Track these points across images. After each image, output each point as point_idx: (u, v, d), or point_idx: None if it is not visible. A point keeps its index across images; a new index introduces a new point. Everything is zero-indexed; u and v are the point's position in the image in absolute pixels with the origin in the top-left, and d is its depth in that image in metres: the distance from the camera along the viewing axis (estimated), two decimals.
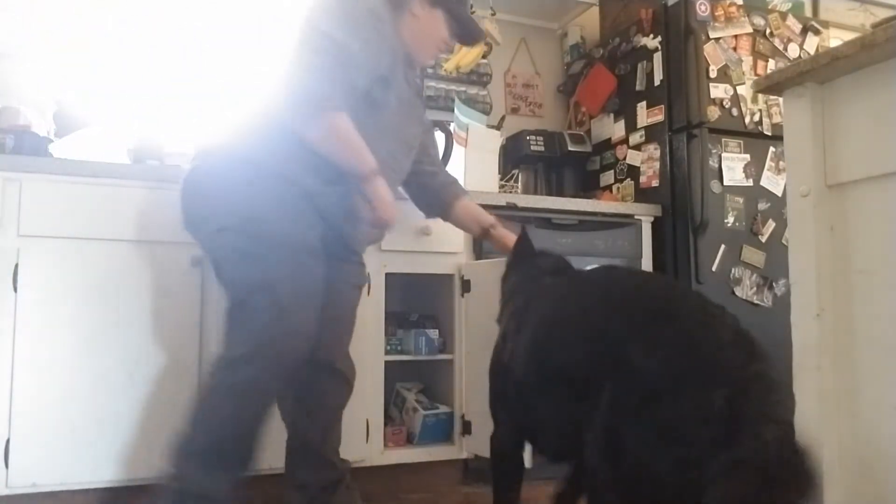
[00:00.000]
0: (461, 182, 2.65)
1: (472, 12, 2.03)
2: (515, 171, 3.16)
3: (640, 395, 1.05)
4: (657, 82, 2.88)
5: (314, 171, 1.65)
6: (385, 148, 1.75)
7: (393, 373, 2.47)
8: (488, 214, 2.14)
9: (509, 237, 2.05)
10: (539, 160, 3.24)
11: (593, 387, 1.11)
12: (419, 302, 2.67)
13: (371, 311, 2.26)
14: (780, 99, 1.64)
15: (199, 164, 1.71)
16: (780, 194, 2.83)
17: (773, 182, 2.86)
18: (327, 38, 1.58)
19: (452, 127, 2.72)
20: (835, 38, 3.00)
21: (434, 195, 2.14)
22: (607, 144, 3.19)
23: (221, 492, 1.55)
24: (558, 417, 1.28)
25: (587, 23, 3.57)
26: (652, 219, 2.83)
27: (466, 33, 1.97)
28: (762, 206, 2.84)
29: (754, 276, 2.80)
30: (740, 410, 0.98)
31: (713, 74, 2.80)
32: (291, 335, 1.60)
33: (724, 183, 2.79)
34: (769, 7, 3.12)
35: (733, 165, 2.81)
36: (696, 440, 0.99)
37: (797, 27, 3.01)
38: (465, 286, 2.42)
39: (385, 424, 2.38)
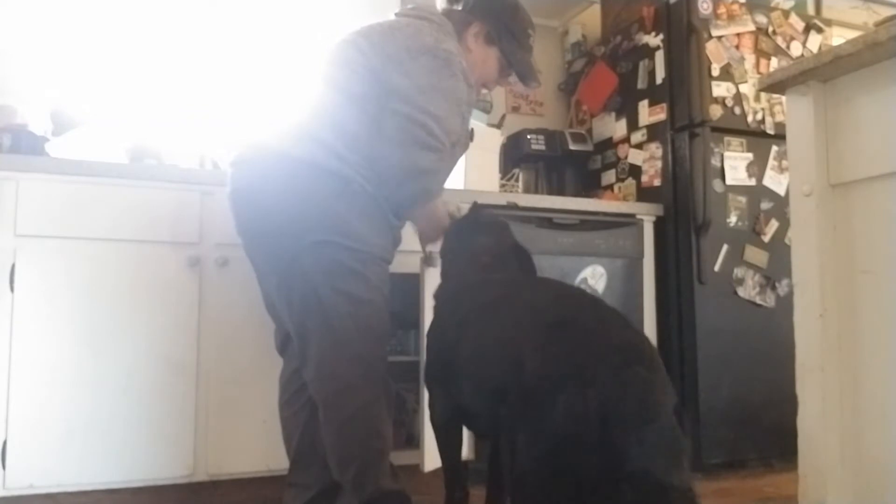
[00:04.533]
0: (461, 181, 2.65)
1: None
2: (516, 171, 3.14)
3: (525, 398, 1.10)
4: (659, 81, 2.87)
5: (387, 201, 1.73)
6: (456, 154, 1.88)
7: (392, 374, 2.45)
8: None
9: None
10: (540, 159, 3.22)
11: (503, 389, 1.18)
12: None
13: None
14: (783, 97, 1.63)
15: (271, 169, 1.66)
16: (783, 194, 2.81)
17: (775, 181, 2.84)
18: (440, 133, 1.67)
19: None
20: (837, 37, 2.98)
21: None
22: (609, 143, 3.18)
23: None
24: (482, 409, 1.36)
25: (588, 21, 3.56)
26: (654, 218, 2.81)
27: (520, 76, 1.96)
28: (765, 205, 2.82)
29: (757, 276, 2.78)
30: (615, 411, 0.99)
31: (715, 73, 2.79)
32: (387, 340, 1.77)
33: (727, 182, 2.77)
34: (772, 5, 3.10)
35: (736, 164, 2.79)
36: (568, 440, 1.01)
37: (800, 25, 2.99)
38: None
39: None
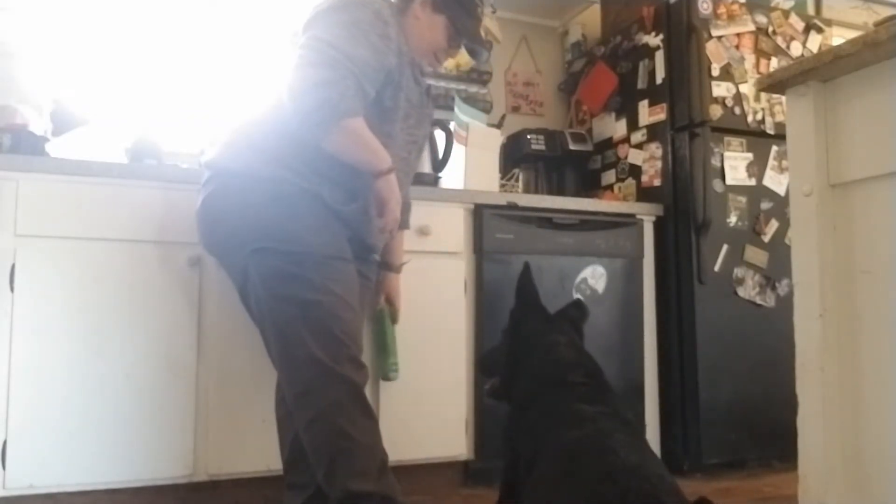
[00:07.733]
0: (461, 181, 2.65)
1: (486, 12, 2.01)
2: (516, 171, 3.14)
3: None
4: (659, 81, 2.87)
5: (332, 186, 1.71)
6: (397, 149, 1.80)
7: None
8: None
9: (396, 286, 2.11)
10: (540, 159, 3.22)
11: None
12: None
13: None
14: (783, 97, 1.63)
15: (215, 187, 1.75)
16: (783, 194, 2.81)
17: (775, 181, 2.84)
18: (334, 50, 1.60)
19: (452, 125, 2.70)
20: (837, 37, 2.98)
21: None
22: (609, 143, 3.18)
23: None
24: None
25: (588, 21, 3.56)
26: (654, 218, 2.81)
27: (468, 46, 1.96)
28: (765, 205, 2.82)
29: (757, 276, 2.78)
30: None
31: (715, 73, 2.79)
32: (350, 339, 1.68)
33: (727, 182, 2.77)
34: (772, 5, 3.10)
35: (736, 164, 2.79)
36: None
37: (800, 25, 3.00)
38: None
39: None
